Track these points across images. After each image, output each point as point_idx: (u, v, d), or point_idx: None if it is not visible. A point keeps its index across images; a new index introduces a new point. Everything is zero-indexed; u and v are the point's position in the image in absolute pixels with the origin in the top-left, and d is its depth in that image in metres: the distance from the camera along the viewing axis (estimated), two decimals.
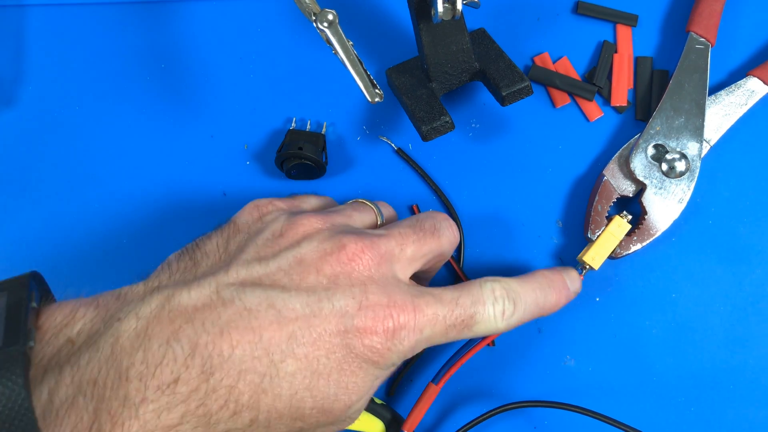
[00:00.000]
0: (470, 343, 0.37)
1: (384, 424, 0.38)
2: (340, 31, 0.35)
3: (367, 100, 0.36)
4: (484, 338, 0.37)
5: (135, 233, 0.43)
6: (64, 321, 0.25)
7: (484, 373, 0.40)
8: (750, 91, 0.42)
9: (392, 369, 0.30)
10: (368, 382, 0.28)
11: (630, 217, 0.40)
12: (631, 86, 0.44)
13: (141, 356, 0.24)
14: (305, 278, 0.28)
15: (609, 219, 0.40)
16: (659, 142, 0.41)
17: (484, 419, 0.38)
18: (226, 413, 0.24)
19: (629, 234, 0.40)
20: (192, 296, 0.26)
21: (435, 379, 0.36)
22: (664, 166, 0.40)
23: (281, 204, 0.34)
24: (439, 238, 0.33)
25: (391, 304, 0.28)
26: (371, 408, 0.38)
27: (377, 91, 0.36)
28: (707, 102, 0.42)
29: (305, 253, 0.29)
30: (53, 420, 0.22)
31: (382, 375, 0.29)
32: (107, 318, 0.25)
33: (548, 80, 0.44)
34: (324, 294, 0.28)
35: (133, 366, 0.23)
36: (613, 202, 0.41)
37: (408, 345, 0.28)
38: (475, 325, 0.31)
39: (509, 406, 0.38)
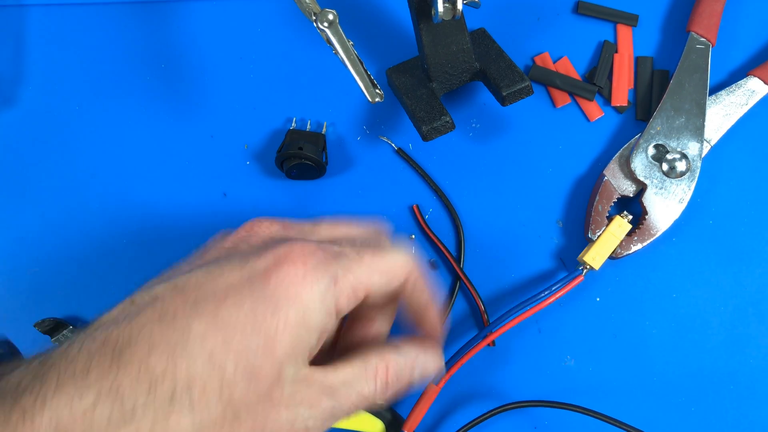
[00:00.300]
0: (470, 343, 0.37)
1: (384, 424, 0.38)
2: (341, 31, 0.35)
3: (368, 100, 0.36)
4: (484, 338, 0.37)
5: (135, 233, 0.43)
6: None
7: (484, 373, 0.40)
8: (750, 91, 0.42)
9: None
10: (295, 318, 0.26)
11: (630, 217, 0.40)
12: (632, 86, 0.44)
13: (61, 359, 0.24)
14: (208, 253, 0.29)
15: (609, 219, 0.40)
16: (660, 142, 0.41)
17: (485, 419, 0.38)
18: (141, 389, 0.24)
19: (630, 234, 0.40)
20: (113, 309, 0.27)
21: (435, 380, 0.36)
22: (665, 166, 0.40)
23: (277, 227, 0.31)
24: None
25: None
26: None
27: (377, 91, 0.36)
28: (707, 102, 0.42)
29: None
30: None
31: (309, 307, 0.27)
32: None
33: (548, 80, 0.44)
34: (225, 259, 0.28)
35: (53, 366, 0.24)
36: (614, 202, 0.41)
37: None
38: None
39: (509, 406, 0.38)
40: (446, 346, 0.41)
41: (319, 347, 0.28)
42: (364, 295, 0.29)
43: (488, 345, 0.40)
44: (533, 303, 0.37)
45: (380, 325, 0.33)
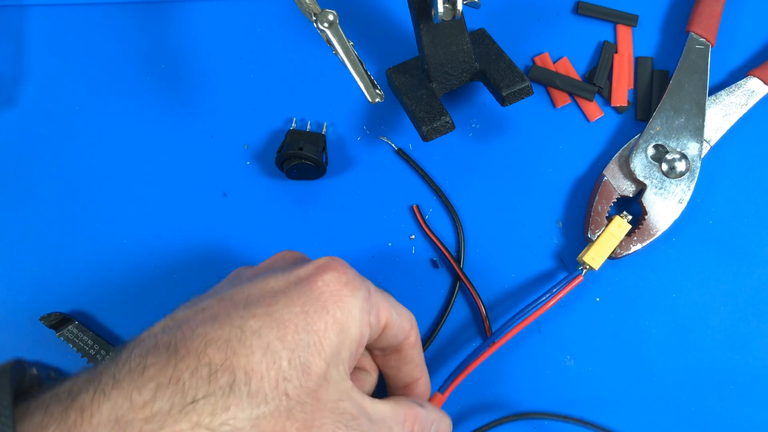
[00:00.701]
0: (477, 351, 0.37)
1: None
2: (341, 31, 0.35)
3: (368, 100, 0.36)
4: (490, 346, 0.37)
5: (134, 233, 0.43)
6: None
7: (484, 373, 0.40)
8: (750, 91, 0.42)
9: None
10: (341, 319, 0.27)
11: (630, 217, 0.40)
12: (632, 86, 0.44)
13: (112, 364, 0.24)
14: (241, 276, 0.30)
15: (609, 219, 0.40)
16: (659, 143, 0.41)
17: (489, 427, 0.38)
18: (201, 379, 0.24)
19: (629, 234, 0.40)
20: (154, 326, 0.27)
21: (441, 389, 0.36)
22: (664, 167, 0.40)
23: (302, 254, 0.33)
24: None
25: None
26: None
27: (377, 91, 0.36)
28: (707, 102, 0.42)
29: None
30: (29, 416, 0.22)
31: (354, 306, 0.28)
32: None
33: (548, 80, 0.44)
34: (265, 273, 0.29)
35: (105, 370, 0.24)
36: (613, 202, 0.41)
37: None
38: None
39: (511, 417, 0.38)
40: (447, 348, 0.41)
41: (354, 363, 0.29)
42: (384, 325, 0.30)
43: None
44: (534, 308, 0.37)
45: (402, 375, 0.34)
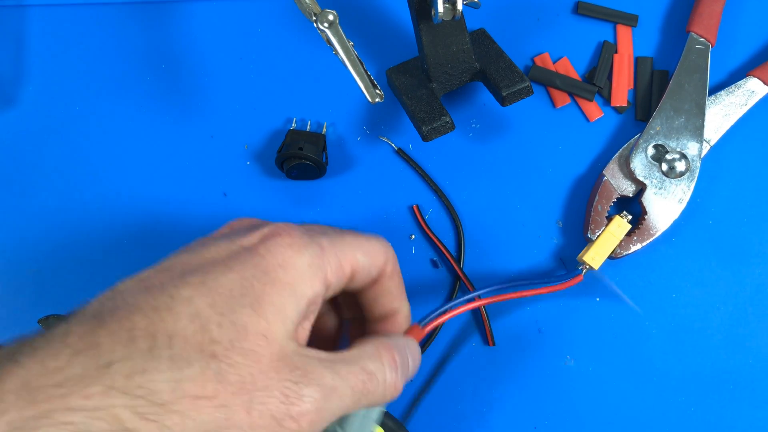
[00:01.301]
0: (463, 300, 0.37)
1: (384, 430, 0.38)
2: (341, 31, 0.35)
3: (368, 101, 0.36)
4: (474, 299, 0.37)
5: (135, 233, 0.43)
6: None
7: (484, 372, 0.40)
8: (750, 91, 0.42)
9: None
10: (285, 279, 0.26)
11: (630, 217, 0.40)
12: (631, 86, 0.44)
13: (38, 335, 0.24)
14: (190, 245, 0.28)
15: (609, 219, 0.40)
16: (659, 142, 0.41)
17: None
18: (119, 344, 0.23)
19: (629, 234, 0.40)
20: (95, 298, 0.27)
21: (421, 322, 0.35)
22: (664, 166, 0.40)
23: (258, 220, 0.32)
24: None
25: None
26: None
27: (377, 91, 0.36)
28: (707, 102, 0.42)
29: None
30: None
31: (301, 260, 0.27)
32: None
33: (548, 80, 0.44)
34: (210, 241, 0.28)
35: (27, 341, 0.23)
36: (613, 202, 0.41)
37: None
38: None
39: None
40: (447, 349, 0.41)
41: (309, 323, 0.28)
42: (351, 272, 0.29)
43: (488, 345, 0.40)
44: (530, 287, 0.38)
45: (380, 307, 0.33)
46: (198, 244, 0.29)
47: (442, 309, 0.36)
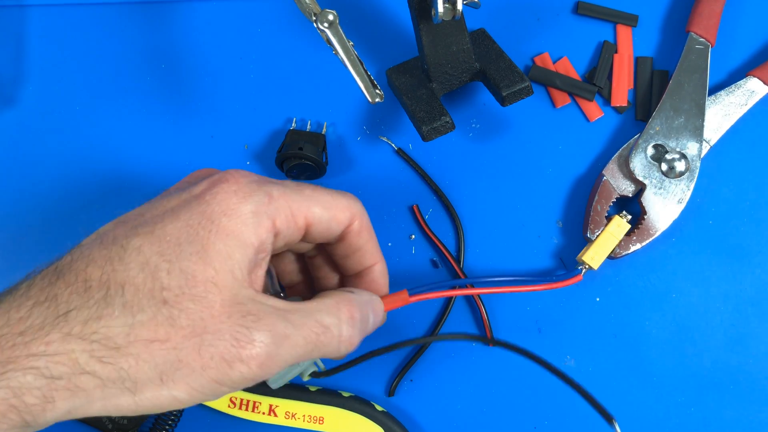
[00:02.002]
0: (459, 283, 0.38)
1: (384, 429, 0.38)
2: (341, 31, 0.35)
3: (368, 100, 0.36)
4: (466, 286, 0.37)
5: None
6: None
7: (484, 372, 0.40)
8: (750, 91, 0.42)
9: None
10: (229, 226, 0.27)
11: (629, 217, 0.40)
12: (631, 86, 0.44)
13: (5, 290, 0.26)
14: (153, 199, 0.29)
15: (608, 219, 0.40)
16: (659, 142, 0.41)
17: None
18: (76, 294, 0.25)
19: (629, 234, 0.40)
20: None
21: (411, 291, 0.34)
22: (664, 166, 0.41)
23: (218, 171, 0.32)
24: None
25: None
26: (370, 414, 0.38)
27: (377, 91, 0.36)
28: (707, 102, 0.42)
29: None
30: None
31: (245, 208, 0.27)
32: None
33: (548, 80, 0.44)
34: (166, 193, 0.29)
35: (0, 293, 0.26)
36: (613, 202, 0.41)
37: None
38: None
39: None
40: (447, 349, 0.41)
41: (261, 270, 0.28)
42: (305, 224, 0.29)
43: (488, 344, 0.40)
44: (529, 283, 0.38)
45: (352, 263, 0.33)
46: (159, 196, 0.30)
47: (435, 288, 0.36)
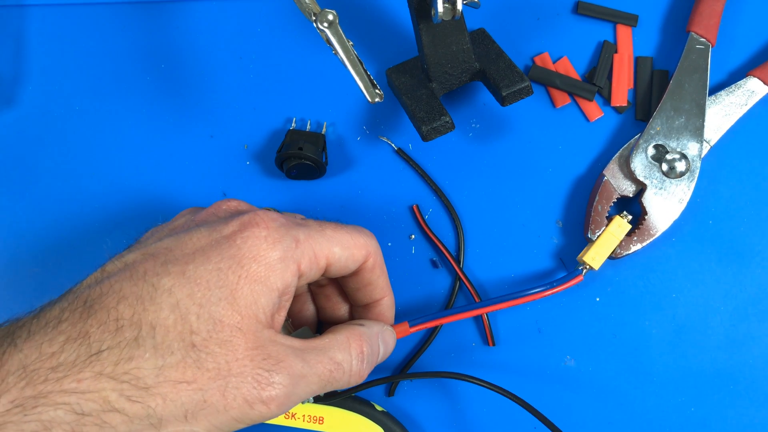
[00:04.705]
0: (460, 308, 0.38)
1: (384, 430, 0.38)
2: (340, 31, 0.35)
3: (367, 100, 0.36)
4: (472, 309, 0.38)
5: (135, 233, 0.43)
6: None
7: (484, 373, 0.40)
8: (750, 91, 0.42)
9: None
10: (257, 272, 0.28)
11: (630, 217, 0.40)
12: (632, 86, 0.44)
13: (32, 318, 0.26)
14: (178, 224, 0.31)
15: (609, 219, 0.40)
16: (659, 142, 0.41)
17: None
18: (107, 333, 0.25)
19: (629, 234, 0.40)
20: (86, 279, 0.29)
21: (411, 322, 0.36)
22: (665, 166, 0.40)
23: (245, 204, 0.33)
24: None
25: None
26: (370, 414, 0.38)
27: (377, 91, 0.36)
28: (707, 102, 0.42)
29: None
30: None
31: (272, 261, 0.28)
32: None
33: (548, 80, 0.44)
34: (194, 227, 0.29)
35: (24, 324, 0.26)
36: (613, 202, 0.41)
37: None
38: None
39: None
40: (447, 349, 0.41)
41: (284, 311, 0.29)
42: (326, 264, 0.30)
43: (488, 345, 0.40)
44: (530, 292, 0.38)
45: (362, 295, 0.35)
46: (182, 226, 0.30)
47: (436, 316, 0.37)
